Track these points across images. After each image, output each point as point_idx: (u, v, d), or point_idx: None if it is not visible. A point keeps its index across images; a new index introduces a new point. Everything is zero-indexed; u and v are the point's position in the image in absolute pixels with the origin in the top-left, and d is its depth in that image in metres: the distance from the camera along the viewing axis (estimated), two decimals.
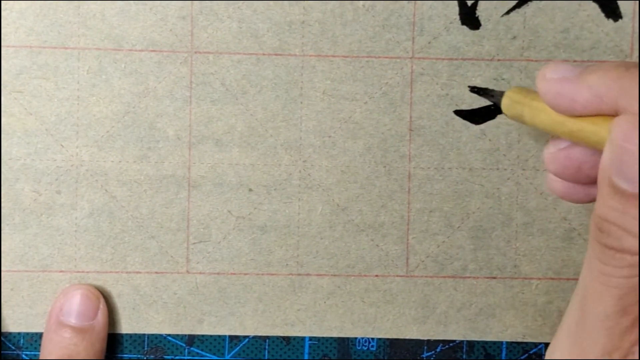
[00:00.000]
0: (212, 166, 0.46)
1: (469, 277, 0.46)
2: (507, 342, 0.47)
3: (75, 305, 0.45)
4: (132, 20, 0.45)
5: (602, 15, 0.45)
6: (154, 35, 0.45)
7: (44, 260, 0.46)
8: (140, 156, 0.46)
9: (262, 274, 0.46)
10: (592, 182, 0.37)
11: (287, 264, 0.46)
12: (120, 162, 0.46)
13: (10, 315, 0.46)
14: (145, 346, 0.46)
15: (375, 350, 0.47)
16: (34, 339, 0.46)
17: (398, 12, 0.45)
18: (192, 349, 0.46)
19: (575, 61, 0.46)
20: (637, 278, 0.32)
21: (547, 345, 0.46)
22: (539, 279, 0.47)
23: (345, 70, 0.46)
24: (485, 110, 0.46)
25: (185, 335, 0.46)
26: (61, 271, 0.46)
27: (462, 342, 0.47)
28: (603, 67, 0.34)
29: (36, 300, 0.46)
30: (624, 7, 0.45)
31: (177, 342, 0.46)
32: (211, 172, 0.46)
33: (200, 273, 0.46)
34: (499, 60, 0.46)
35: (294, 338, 0.47)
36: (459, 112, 0.46)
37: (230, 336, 0.46)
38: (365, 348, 0.47)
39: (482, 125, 0.46)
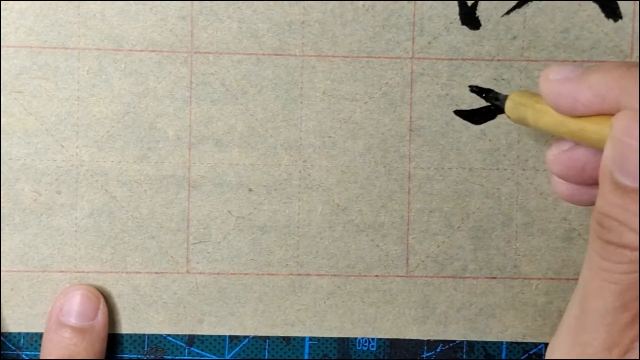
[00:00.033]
0: (212, 166, 0.46)
1: (469, 277, 0.46)
2: (507, 342, 0.47)
3: (75, 305, 0.45)
4: (132, 20, 0.45)
5: (602, 15, 0.45)
6: (154, 36, 0.45)
7: (44, 260, 0.46)
8: (140, 156, 0.46)
9: (262, 274, 0.46)
10: (596, 183, 0.37)
11: (287, 264, 0.46)
12: (120, 162, 0.46)
13: (10, 315, 0.46)
14: (145, 346, 0.46)
15: (375, 351, 0.47)
16: (34, 339, 0.46)
17: (398, 12, 0.45)
18: (192, 349, 0.46)
19: (575, 61, 0.46)
20: (637, 274, 0.32)
21: (547, 345, 0.46)
22: (539, 279, 0.47)
23: (345, 71, 0.46)
24: (485, 110, 0.46)
25: (185, 335, 0.46)
26: (61, 271, 0.46)
27: (462, 342, 0.47)
28: (604, 67, 0.34)
29: (36, 300, 0.46)
30: (624, 7, 0.45)
31: (177, 342, 0.46)
32: (211, 172, 0.46)
33: (200, 273, 0.46)
34: (499, 60, 0.46)
35: (294, 338, 0.47)
36: (459, 112, 0.46)
37: (230, 336, 0.46)
38: (365, 348, 0.47)
39: (482, 125, 0.46)
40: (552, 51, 0.46)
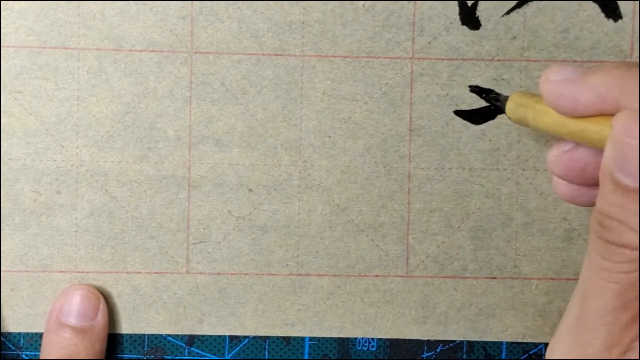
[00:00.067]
0: (212, 166, 0.46)
1: (469, 277, 0.46)
2: (507, 343, 0.47)
3: (75, 305, 0.45)
4: (132, 20, 0.45)
5: (602, 15, 0.45)
6: (154, 36, 0.45)
7: (44, 260, 0.46)
8: (140, 156, 0.46)
9: (262, 274, 0.46)
10: (597, 184, 0.37)
11: (287, 264, 0.46)
12: (120, 162, 0.46)
13: (10, 315, 0.46)
14: (145, 346, 0.46)
15: (375, 351, 0.47)
16: (34, 339, 0.46)
17: (398, 12, 0.45)
18: (192, 349, 0.46)
19: (575, 61, 0.46)
20: (637, 273, 0.32)
21: (547, 345, 0.46)
22: (539, 279, 0.47)
23: (345, 71, 0.46)
24: (485, 111, 0.46)
25: (185, 335, 0.46)
26: (61, 271, 0.46)
27: (462, 342, 0.47)
28: (604, 67, 0.34)
29: (36, 300, 0.46)
30: (624, 7, 0.45)
31: (177, 342, 0.46)
32: (211, 172, 0.46)
33: (200, 273, 0.46)
34: (499, 60, 0.46)
35: (294, 338, 0.47)
36: (459, 112, 0.46)
37: (230, 336, 0.46)
38: (365, 348, 0.47)
39: (482, 126, 0.46)
40: (552, 51, 0.46)
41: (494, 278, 0.46)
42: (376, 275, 0.46)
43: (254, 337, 0.47)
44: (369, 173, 0.46)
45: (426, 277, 0.46)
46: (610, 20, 0.45)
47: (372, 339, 0.47)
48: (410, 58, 0.46)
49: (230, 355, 0.47)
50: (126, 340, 0.46)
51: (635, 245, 0.32)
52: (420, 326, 0.47)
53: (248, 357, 0.47)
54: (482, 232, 0.46)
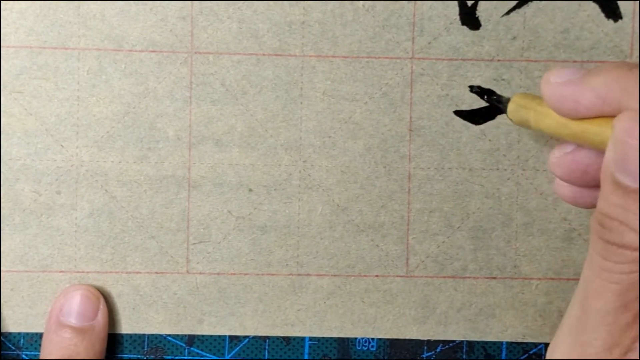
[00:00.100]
0: (212, 166, 0.46)
1: (469, 277, 0.46)
2: (507, 343, 0.47)
3: (75, 305, 0.45)
4: (132, 20, 0.45)
5: (602, 15, 0.45)
6: (154, 36, 0.45)
7: (44, 260, 0.46)
8: (140, 156, 0.46)
9: (262, 274, 0.46)
10: (599, 185, 0.37)
11: (287, 264, 0.46)
12: (120, 162, 0.46)
13: (10, 315, 0.46)
14: (145, 346, 0.46)
15: (375, 351, 0.47)
16: (34, 339, 0.46)
17: (398, 12, 0.45)
18: (192, 349, 0.46)
19: (575, 61, 0.46)
20: (638, 274, 0.32)
21: (547, 345, 0.46)
22: (539, 279, 0.47)
23: (345, 71, 0.46)
24: (485, 111, 0.46)
25: (185, 335, 0.46)
26: (61, 271, 0.46)
27: (462, 342, 0.47)
28: (605, 69, 0.34)
29: (36, 300, 0.46)
30: (624, 7, 0.45)
31: (177, 342, 0.46)
32: (211, 173, 0.46)
33: (200, 273, 0.46)
34: (499, 60, 0.46)
35: (294, 338, 0.47)
36: (459, 113, 0.46)
37: (230, 336, 0.46)
38: (365, 348, 0.47)
39: (482, 126, 0.46)
40: (552, 51, 0.46)
41: (494, 278, 0.47)
42: (376, 275, 0.46)
43: (254, 337, 0.47)
44: (369, 173, 0.46)
45: (426, 277, 0.46)
46: (610, 21, 0.45)
47: (372, 339, 0.47)
48: (410, 58, 0.46)
49: (230, 355, 0.47)
50: (126, 340, 0.46)
51: (636, 246, 0.32)
52: (420, 326, 0.47)
53: (248, 357, 0.47)
54: (482, 232, 0.46)
